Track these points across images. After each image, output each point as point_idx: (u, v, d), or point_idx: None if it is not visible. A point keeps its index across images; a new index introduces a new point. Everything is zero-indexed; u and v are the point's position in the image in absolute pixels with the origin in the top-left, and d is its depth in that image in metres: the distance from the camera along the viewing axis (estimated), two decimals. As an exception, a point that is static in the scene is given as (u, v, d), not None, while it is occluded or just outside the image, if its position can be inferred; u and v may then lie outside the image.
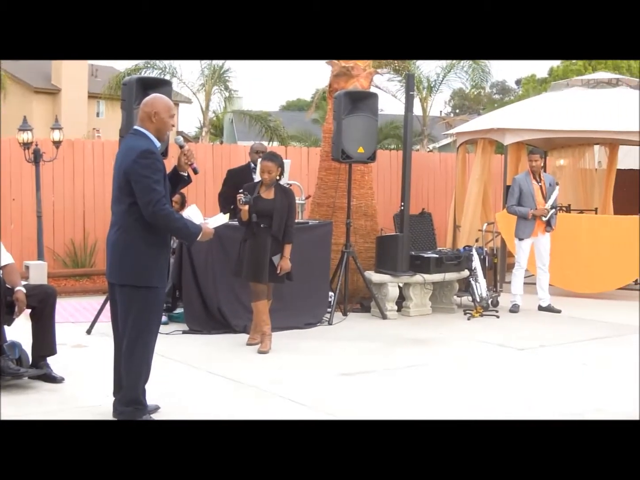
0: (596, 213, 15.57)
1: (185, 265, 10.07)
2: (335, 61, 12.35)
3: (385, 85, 24.17)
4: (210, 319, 10.09)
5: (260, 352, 8.95)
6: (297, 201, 11.12)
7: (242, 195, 8.89)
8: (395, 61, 21.94)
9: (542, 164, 12.45)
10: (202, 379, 7.84)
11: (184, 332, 9.91)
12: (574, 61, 40.78)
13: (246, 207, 8.85)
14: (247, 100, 75.96)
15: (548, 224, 11.83)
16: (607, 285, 13.22)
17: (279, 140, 27.41)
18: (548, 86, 18.25)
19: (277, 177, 9.11)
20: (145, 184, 5.87)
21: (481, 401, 7.33)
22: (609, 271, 13.06)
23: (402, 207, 11.59)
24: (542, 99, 15.96)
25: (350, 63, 12.23)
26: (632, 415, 6.88)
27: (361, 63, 12.34)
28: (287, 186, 9.85)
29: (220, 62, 25.13)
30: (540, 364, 8.86)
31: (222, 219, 6.80)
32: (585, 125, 13.63)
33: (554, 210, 11.89)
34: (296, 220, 9.62)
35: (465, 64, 22.97)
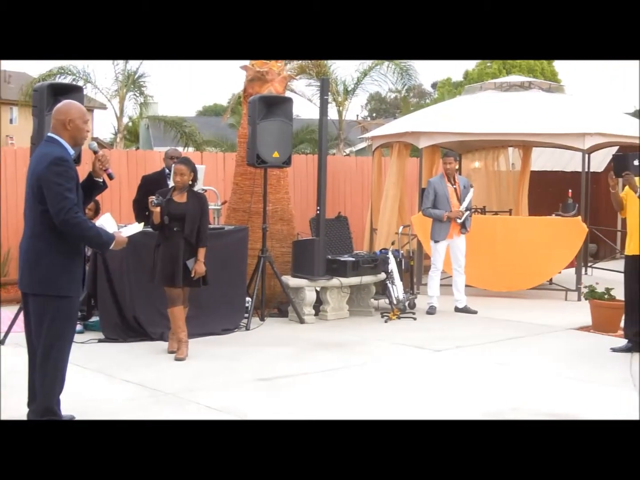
0: (510, 214, 15.77)
1: (100, 273, 9.96)
2: (250, 66, 12.32)
3: (301, 89, 24.22)
4: (127, 327, 9.99)
5: (177, 359, 8.89)
6: (213, 207, 11.11)
7: (154, 197, 8.86)
8: (311, 65, 21.98)
9: (456, 167, 12.59)
10: (118, 387, 7.76)
11: (100, 340, 9.79)
12: (489, 64, 41.26)
13: (158, 209, 8.83)
14: (164, 105, 75.48)
15: (463, 226, 11.96)
16: (522, 285, 13.40)
17: (195, 146, 27.27)
18: (463, 89, 18.40)
19: (190, 182, 9.10)
20: (57, 191, 5.81)
21: (398, 402, 7.38)
22: (523, 271, 13.23)
23: (318, 211, 11.61)
24: (456, 102, 16.13)
25: (264, 67, 12.21)
26: (547, 414, 6.98)
27: (275, 67, 12.33)
28: (202, 192, 9.82)
29: (134, 68, 24.94)
30: (457, 365, 8.94)
31: (137, 227, 6.77)
32: (498, 127, 13.79)
33: (468, 212, 12.02)
34: (212, 226, 9.58)
35: (385, 67, 23.05)
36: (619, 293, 10.03)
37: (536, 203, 16.42)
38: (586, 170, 14.46)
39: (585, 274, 15.95)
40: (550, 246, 13.13)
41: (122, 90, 25.10)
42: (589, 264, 16.80)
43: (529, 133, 13.82)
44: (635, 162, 9.28)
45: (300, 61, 21.74)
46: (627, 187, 9.46)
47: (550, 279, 13.98)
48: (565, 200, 14.18)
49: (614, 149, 15.12)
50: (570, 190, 14.17)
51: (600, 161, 17.88)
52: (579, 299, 12.93)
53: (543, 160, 20.39)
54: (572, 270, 13.74)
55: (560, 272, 13.83)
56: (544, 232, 13.30)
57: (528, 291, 13.48)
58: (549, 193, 17.07)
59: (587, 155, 14.79)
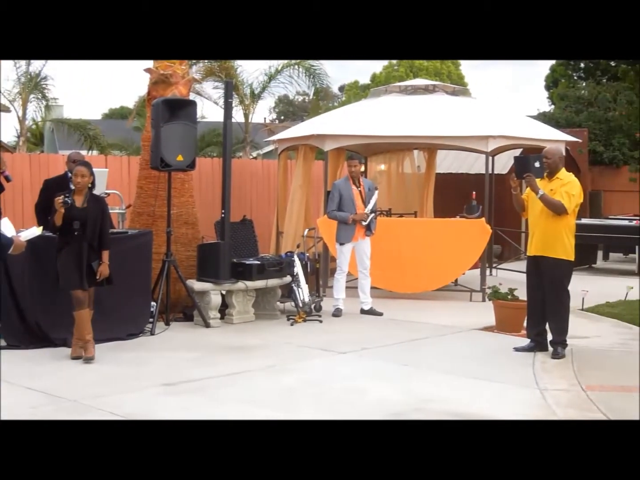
0: (416, 216, 15.90)
1: (0, 278, 9.76)
2: (153, 68, 12.20)
3: (209, 92, 24.07)
4: (29, 333, 9.79)
5: (85, 359, 8.85)
6: (117, 210, 10.98)
7: (62, 196, 8.74)
8: (219, 67, 21.86)
9: (361, 170, 12.62)
10: (21, 395, 7.59)
11: (1, 347, 9.59)
12: (395, 67, 41.59)
13: (63, 210, 8.71)
14: (70, 108, 74.38)
15: (368, 228, 12.00)
16: (427, 286, 13.50)
17: (99, 149, 26.92)
18: (369, 92, 18.48)
19: (89, 186, 9.02)
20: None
21: (302, 405, 7.36)
22: (429, 272, 13.34)
23: (223, 215, 11.54)
24: (361, 105, 16.20)
25: (168, 70, 12.09)
26: (451, 414, 7.03)
27: (179, 70, 12.22)
28: (105, 195, 9.73)
29: (37, 70, 24.54)
30: (362, 367, 8.96)
31: (36, 231, 6.68)
32: (403, 130, 13.87)
33: (373, 214, 12.07)
34: (116, 230, 9.46)
35: (294, 70, 23.02)
36: (523, 293, 10.15)
37: (441, 205, 16.57)
38: (490, 172, 14.64)
39: (490, 274, 16.16)
40: (455, 248, 13.26)
41: (24, 93, 24.67)
42: (494, 265, 17.01)
43: (434, 136, 13.94)
44: (537, 164, 9.41)
45: (207, 63, 21.61)
46: (528, 189, 9.58)
47: (455, 280, 14.12)
48: (469, 202, 14.33)
49: (519, 151, 15.35)
50: (474, 192, 14.32)
51: (504, 163, 18.11)
52: (484, 300, 13.08)
53: (448, 163, 20.60)
54: (477, 271, 13.89)
55: (465, 274, 13.98)
56: (448, 234, 13.43)
57: (433, 292, 13.59)
58: (454, 195, 17.21)
59: (491, 158, 14.98)
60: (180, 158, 11.07)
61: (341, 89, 60.38)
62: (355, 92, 44.42)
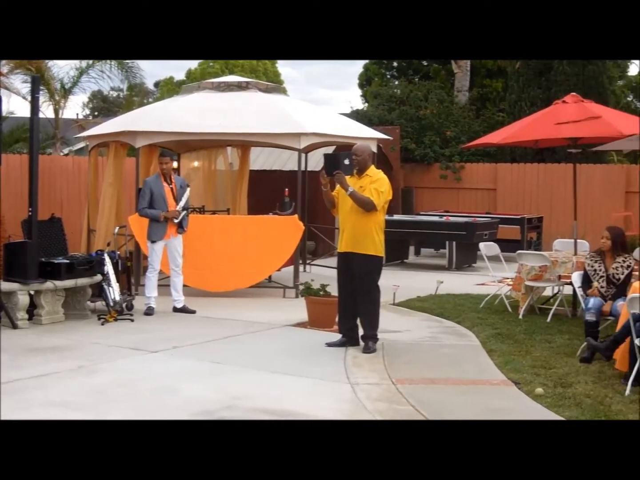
0: (229, 213, 15.85)
1: None
2: (-45, 61, 11.76)
3: (18, 86, 23.37)
4: None
5: None
6: None
7: None
8: (27, 61, 21.25)
9: (173, 166, 12.48)
10: None
11: None
12: (211, 64, 41.36)
13: None
14: None
15: (180, 225, 11.89)
16: (240, 283, 13.45)
17: None
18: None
19: None
20: None
21: (116, 405, 7.21)
22: (242, 270, 13.30)
23: (30, 213, 11.21)
24: (174, 101, 16.00)
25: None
26: (263, 411, 7.02)
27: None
28: None
29: None
30: (173, 365, 8.87)
31: None
32: (216, 127, 13.78)
33: (185, 211, 11.97)
34: None
35: (106, 65, 22.57)
36: (335, 289, 10.22)
37: (256, 202, 16.57)
38: (303, 169, 14.72)
39: (304, 271, 16.27)
40: (268, 244, 13.27)
41: None
42: (307, 262, 17.13)
43: (246, 133, 13.89)
44: (346, 161, 9.49)
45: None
46: (338, 186, 9.66)
47: (269, 277, 14.14)
48: (282, 199, 14.38)
49: (332, 149, 15.49)
50: (287, 189, 14.38)
51: (318, 160, 18.24)
52: (297, 296, 13.15)
53: (262, 160, 20.62)
54: (291, 267, 13.95)
55: (279, 270, 14.01)
56: (261, 231, 13.42)
57: (247, 290, 13.56)
58: (268, 192, 17.27)
59: (304, 155, 15.05)
60: (-17, 154, 10.69)
61: (156, 84, 59.75)
62: (170, 87, 43.96)
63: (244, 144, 16.29)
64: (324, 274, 14.78)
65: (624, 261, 10.04)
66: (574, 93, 13.46)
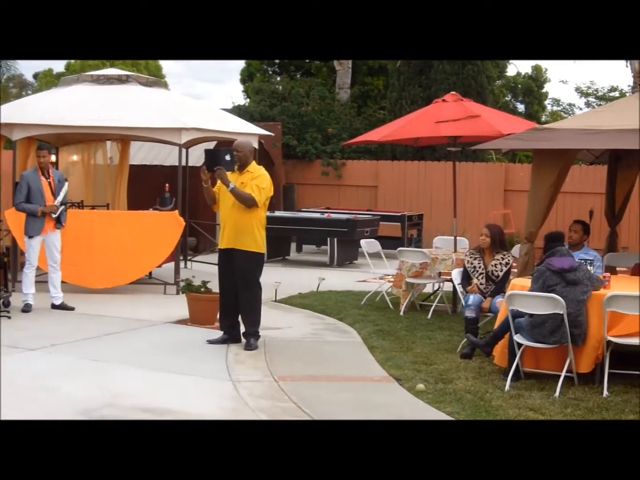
0: (108, 208, 15.61)
1: None
2: None
3: None
4: None
5: None
6: None
7: None
8: None
9: (51, 160, 12.23)
10: None
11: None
12: (91, 56, 40.66)
13: None
14: None
15: (58, 220, 11.66)
16: (120, 280, 13.25)
17: None
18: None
19: None
20: None
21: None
22: (122, 266, 13.11)
23: None
24: (52, 93, 15.68)
25: None
26: (144, 409, 6.93)
27: None
28: None
29: None
30: (52, 363, 8.69)
31: None
32: (95, 120, 13.53)
33: (63, 206, 11.73)
34: None
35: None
36: (217, 286, 10.15)
37: (136, 197, 16.34)
38: (184, 164, 14.58)
39: (185, 267, 16.14)
40: (149, 240, 13.11)
41: None
42: (189, 258, 16.99)
43: (126, 127, 13.69)
44: (227, 157, 9.45)
45: None
46: (219, 182, 9.59)
47: (150, 273, 13.97)
48: (162, 194, 14.23)
49: (213, 144, 15.37)
50: (167, 185, 14.23)
51: (199, 156, 18.08)
52: (178, 293, 13.02)
53: (143, 154, 20.36)
54: (172, 264, 13.80)
55: (160, 266, 13.84)
56: (141, 227, 13.25)
57: (127, 286, 13.35)
58: (148, 187, 17.03)
59: (185, 150, 14.91)
60: None
61: (35, 76, 58.62)
62: (49, 79, 43.13)
63: (123, 138, 16.06)
64: (205, 270, 14.66)
65: (502, 258, 10.22)
66: (453, 92, 13.66)
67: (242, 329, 9.82)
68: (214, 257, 13.47)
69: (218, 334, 9.96)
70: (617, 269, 12.40)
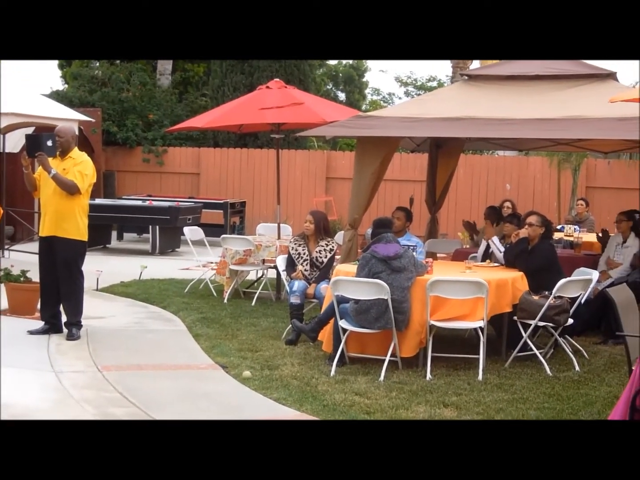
0: None
1: None
2: None
3: None
4: None
5: None
6: None
7: None
8: None
9: None
10: None
11: None
12: None
13: None
14: None
15: None
16: None
17: None
18: None
19: None
20: None
21: None
22: None
23: None
24: None
25: None
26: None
27: None
28: None
29: None
30: None
31: None
32: None
33: None
34: None
35: None
36: (37, 275, 9.91)
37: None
38: (1, 151, 14.17)
39: (3, 256, 15.68)
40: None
41: None
42: (6, 247, 16.52)
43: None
44: (49, 143, 9.24)
45: None
46: (40, 168, 9.37)
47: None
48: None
49: (32, 130, 14.96)
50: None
51: (16, 141, 17.59)
52: (-4, 283, 12.64)
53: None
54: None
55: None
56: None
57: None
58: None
59: (2, 136, 14.48)
60: None
61: None
62: None
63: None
64: (24, 259, 14.25)
65: (327, 245, 10.33)
66: (277, 79, 13.71)
67: (64, 318, 9.63)
68: (32, 246, 13.20)
69: (39, 324, 9.72)
70: (438, 254, 12.73)
